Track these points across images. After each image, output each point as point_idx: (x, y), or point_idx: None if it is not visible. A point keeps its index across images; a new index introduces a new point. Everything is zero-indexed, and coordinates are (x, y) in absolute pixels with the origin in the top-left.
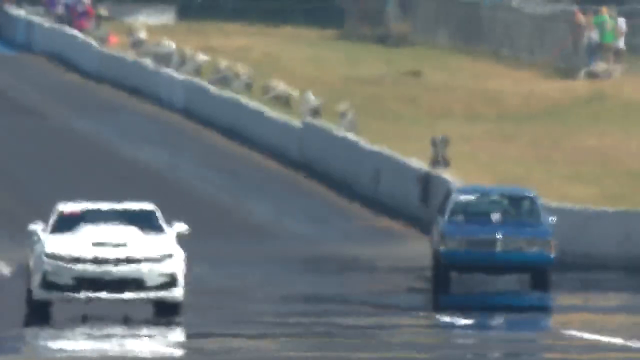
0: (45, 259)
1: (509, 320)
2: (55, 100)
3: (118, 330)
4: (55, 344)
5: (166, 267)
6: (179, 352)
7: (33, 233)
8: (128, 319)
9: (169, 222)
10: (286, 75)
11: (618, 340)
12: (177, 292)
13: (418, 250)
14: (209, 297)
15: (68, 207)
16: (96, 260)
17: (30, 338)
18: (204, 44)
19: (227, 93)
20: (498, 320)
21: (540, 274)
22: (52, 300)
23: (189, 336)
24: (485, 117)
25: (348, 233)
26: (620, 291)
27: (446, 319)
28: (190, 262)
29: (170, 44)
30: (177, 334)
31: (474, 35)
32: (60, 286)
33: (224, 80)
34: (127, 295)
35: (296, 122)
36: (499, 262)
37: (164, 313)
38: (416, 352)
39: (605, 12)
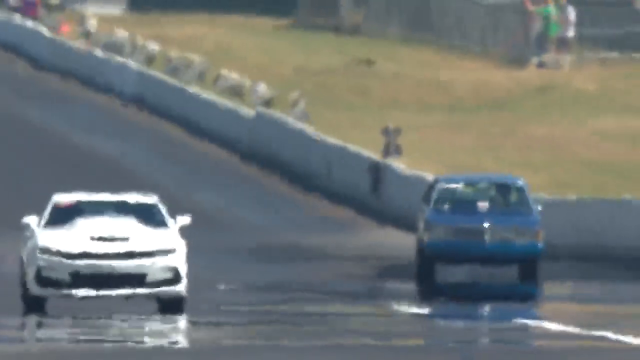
0: (38, 253)
1: (462, 310)
2: (6, 90)
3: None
4: (53, 333)
5: (170, 262)
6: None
7: (26, 226)
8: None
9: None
10: (238, 64)
11: (568, 328)
12: (180, 288)
13: (369, 238)
14: None
15: (64, 198)
16: (95, 255)
17: (30, 327)
18: (155, 33)
19: (178, 83)
20: (454, 309)
21: (528, 265)
22: (48, 296)
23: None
24: (436, 107)
25: (299, 222)
26: (569, 279)
27: (399, 307)
28: None
29: (121, 33)
30: (156, 325)
31: (426, 25)
32: (56, 282)
33: (175, 70)
34: (128, 291)
35: (248, 112)
36: (487, 252)
37: (168, 309)
38: (371, 340)
39: (550, 2)
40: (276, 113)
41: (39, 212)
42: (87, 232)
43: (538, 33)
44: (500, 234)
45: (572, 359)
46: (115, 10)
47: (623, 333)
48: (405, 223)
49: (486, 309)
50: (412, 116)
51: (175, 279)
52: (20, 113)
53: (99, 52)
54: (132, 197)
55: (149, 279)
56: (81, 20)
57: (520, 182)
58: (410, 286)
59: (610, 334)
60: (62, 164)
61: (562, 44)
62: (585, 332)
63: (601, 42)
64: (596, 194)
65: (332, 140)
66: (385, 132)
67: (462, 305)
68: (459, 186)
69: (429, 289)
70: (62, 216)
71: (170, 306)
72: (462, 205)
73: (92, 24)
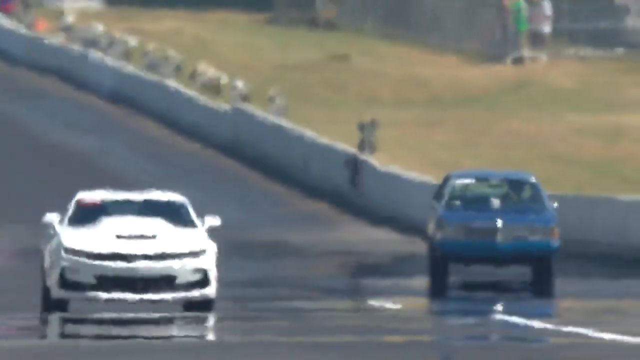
0: (63, 254)
1: (440, 307)
2: None
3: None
4: (76, 329)
5: (199, 264)
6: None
7: (49, 225)
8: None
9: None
10: (216, 59)
11: (548, 325)
12: (210, 290)
13: (348, 233)
14: None
15: (88, 196)
16: (122, 256)
17: (53, 323)
18: (133, 27)
19: (156, 78)
20: (433, 305)
21: (543, 264)
22: (72, 299)
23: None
24: (413, 103)
25: (278, 217)
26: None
27: (376, 303)
28: None
29: (99, 28)
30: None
31: (402, 20)
32: (81, 285)
33: (152, 65)
34: (156, 295)
35: (225, 108)
36: (500, 252)
37: (196, 309)
38: (350, 336)
39: None
40: (253, 108)
41: (20, 208)
42: (113, 231)
43: (514, 28)
44: (514, 233)
45: (543, 356)
46: (94, 4)
47: (602, 330)
48: (382, 217)
49: (471, 305)
50: (390, 111)
51: (204, 281)
52: None
53: (76, 47)
54: (159, 195)
55: (179, 281)
56: (59, 15)
57: (533, 179)
58: (387, 282)
59: (589, 331)
60: (39, 159)
61: (537, 39)
62: (562, 328)
63: (580, 37)
64: (574, 190)
65: (309, 134)
66: (361, 127)
67: (440, 301)
68: (472, 182)
69: (442, 288)
70: (87, 215)
71: (198, 308)
72: (476, 203)
73: (70, 19)
